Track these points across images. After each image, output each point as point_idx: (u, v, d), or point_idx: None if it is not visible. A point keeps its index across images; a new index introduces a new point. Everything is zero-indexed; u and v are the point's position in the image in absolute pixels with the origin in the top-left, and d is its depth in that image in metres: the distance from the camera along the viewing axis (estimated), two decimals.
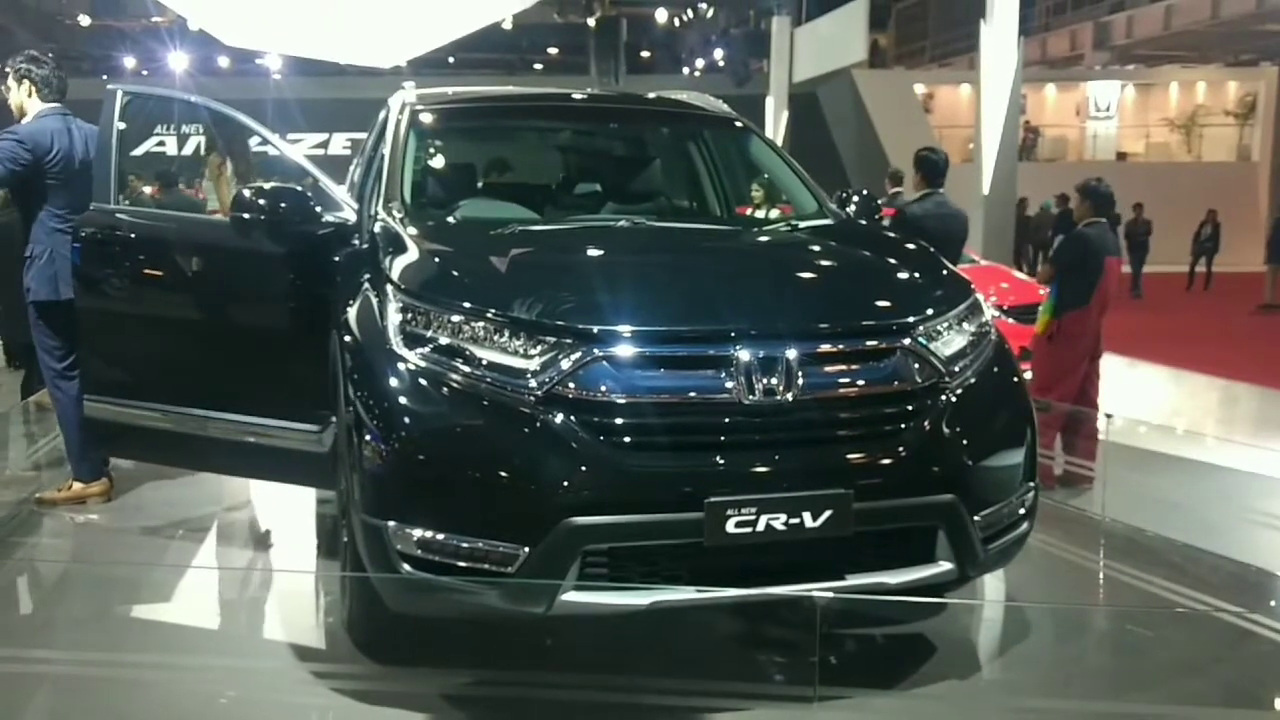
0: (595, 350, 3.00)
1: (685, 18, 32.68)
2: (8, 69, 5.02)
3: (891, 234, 4.26)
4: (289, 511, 5.26)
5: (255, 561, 4.71)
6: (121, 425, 4.45)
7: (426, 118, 4.46)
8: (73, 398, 4.83)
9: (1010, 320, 8.08)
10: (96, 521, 5.07)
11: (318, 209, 4.08)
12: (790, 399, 3.03)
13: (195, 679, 3.60)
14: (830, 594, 3.01)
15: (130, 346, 4.47)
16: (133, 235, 4.43)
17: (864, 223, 4.36)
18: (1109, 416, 5.92)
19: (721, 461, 2.99)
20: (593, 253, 3.69)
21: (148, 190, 10.32)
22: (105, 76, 28.21)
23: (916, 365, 3.19)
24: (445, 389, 3.05)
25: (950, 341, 3.30)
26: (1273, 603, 4.43)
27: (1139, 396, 9.17)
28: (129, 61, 32.05)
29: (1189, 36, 27.61)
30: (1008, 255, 14.33)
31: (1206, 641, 3.88)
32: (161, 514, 5.16)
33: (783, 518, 2.95)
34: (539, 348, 3.03)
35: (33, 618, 4.06)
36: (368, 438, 3.10)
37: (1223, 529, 5.20)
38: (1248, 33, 27.03)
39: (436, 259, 3.48)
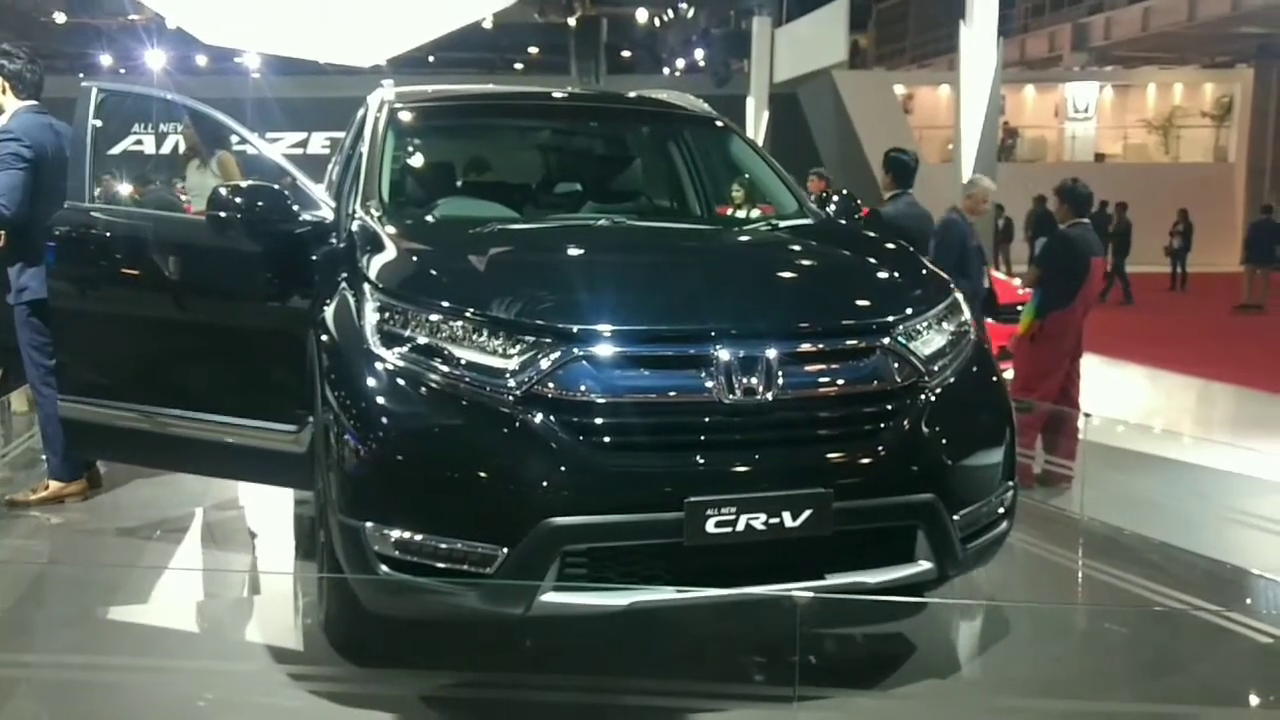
0: (575, 350, 2.99)
1: (666, 18, 32.69)
2: None
3: (871, 233, 4.27)
4: (266, 512, 5.23)
5: (232, 563, 4.67)
6: (98, 426, 4.40)
7: (405, 116, 4.44)
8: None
9: (990, 319, 8.10)
10: (73, 522, 5.02)
11: (295, 208, 4.05)
12: (770, 398, 3.02)
13: (172, 681, 3.57)
14: (810, 594, 3.00)
15: (106, 346, 4.42)
16: (108, 234, 4.39)
17: (844, 222, 4.36)
18: (1088, 416, 5.95)
19: (701, 461, 2.98)
20: (572, 252, 3.68)
21: (124, 191, 10.23)
22: (82, 75, 27.99)
23: (896, 364, 3.19)
24: (423, 389, 3.04)
25: (930, 341, 3.30)
26: (1249, 601, 4.46)
27: (1118, 396, 9.22)
28: (105, 59, 31.83)
29: (1166, 38, 27.79)
30: (988, 255, 14.39)
31: (1184, 640, 3.90)
32: (138, 515, 5.12)
33: (763, 517, 2.94)
34: (518, 347, 3.02)
35: (8, 620, 4.02)
36: (345, 438, 3.08)
37: (1200, 527, 5.23)
38: (1224, 35, 27.22)
39: (415, 258, 3.46)
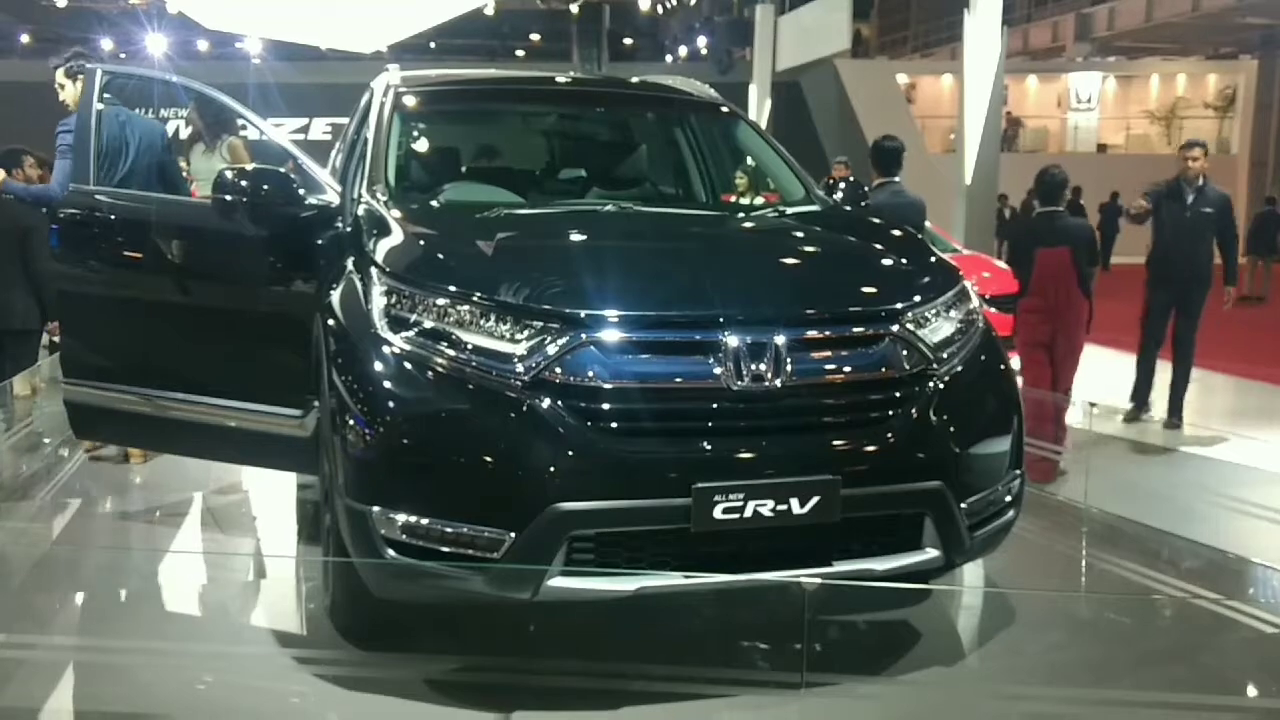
0: (582, 335, 2.98)
1: (669, 5, 32.59)
2: (59, 66, 5.21)
3: (878, 220, 4.26)
4: (270, 496, 5.23)
5: (235, 547, 4.68)
6: (102, 409, 4.39)
7: (411, 100, 4.42)
8: None
9: (992, 309, 8.10)
10: (76, 505, 5.02)
11: (301, 191, 4.04)
12: (778, 385, 3.02)
13: (175, 664, 3.58)
14: (818, 580, 3.00)
15: (110, 330, 4.41)
16: (113, 217, 4.37)
17: (851, 209, 4.35)
18: (1093, 405, 5.95)
19: (709, 447, 2.98)
20: (579, 237, 3.67)
21: None
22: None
23: (904, 352, 3.19)
24: (430, 373, 3.03)
25: (938, 328, 3.29)
26: (1251, 590, 4.46)
27: (1119, 386, 9.21)
28: (106, 44, 31.70)
29: (1170, 29, 27.72)
30: (990, 245, 14.39)
31: (1185, 628, 3.91)
32: (141, 498, 5.13)
33: (770, 504, 2.94)
34: (526, 332, 3.01)
35: (11, 602, 4.02)
36: (352, 422, 3.07)
37: (1201, 517, 5.23)
38: (1228, 26, 27.17)
39: (422, 242, 3.45)
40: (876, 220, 4.21)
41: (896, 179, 6.34)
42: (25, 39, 36.28)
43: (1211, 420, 8.01)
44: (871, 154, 6.51)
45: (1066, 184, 6.53)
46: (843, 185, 4.42)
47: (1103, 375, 9.46)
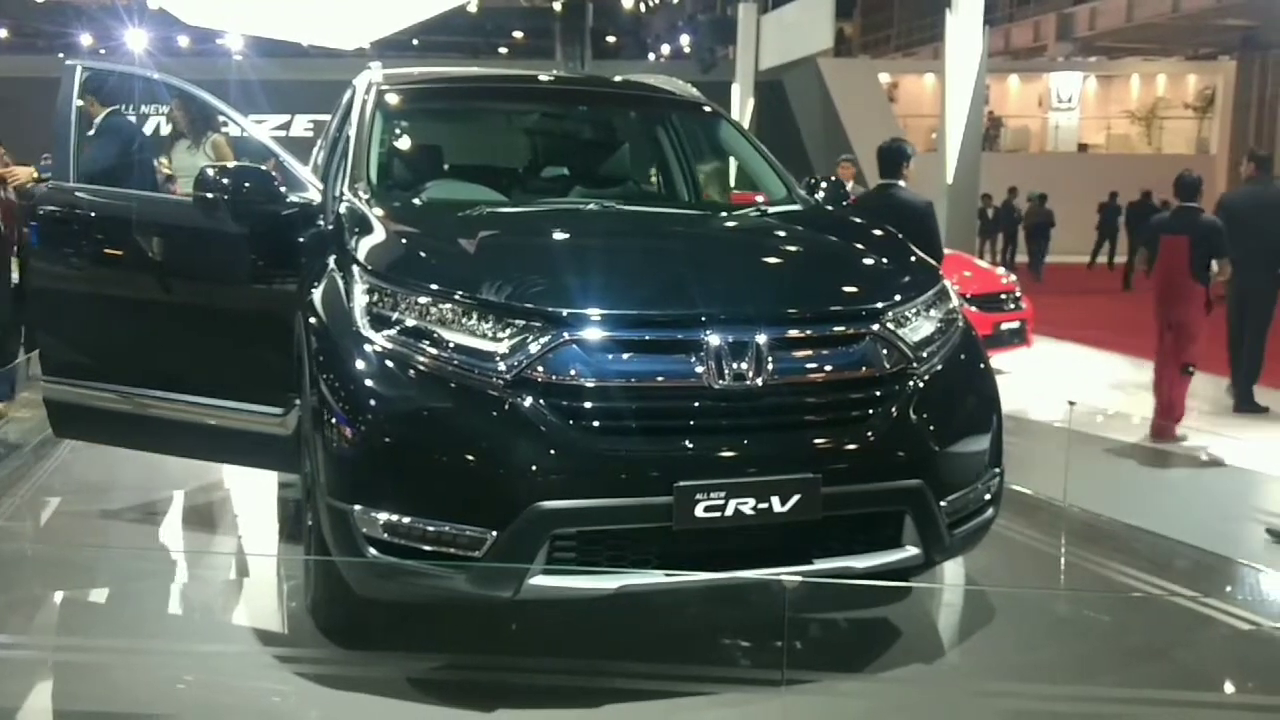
0: (564, 334, 2.99)
1: (652, 3, 32.62)
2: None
3: (859, 220, 4.28)
4: (251, 495, 5.21)
5: (216, 545, 4.66)
6: (81, 407, 4.37)
7: (393, 98, 4.41)
8: None
9: (973, 308, 8.12)
10: (55, 503, 4.99)
11: (282, 189, 4.03)
12: (759, 384, 3.03)
13: (155, 663, 3.56)
14: (798, 578, 3.01)
15: (90, 327, 4.39)
16: (93, 214, 4.35)
17: (832, 209, 4.36)
18: (1072, 404, 5.98)
19: (690, 446, 2.99)
20: (561, 236, 3.67)
21: None
22: (62, 55, 27.68)
23: (885, 351, 3.20)
24: (412, 371, 3.03)
25: (918, 327, 3.31)
26: (1229, 588, 4.50)
27: (1101, 384, 9.27)
28: (85, 39, 31.49)
29: (1150, 29, 27.88)
30: (971, 244, 14.46)
31: (1164, 626, 3.93)
32: (121, 497, 5.10)
33: (751, 502, 2.95)
34: (508, 330, 3.01)
35: None
36: (333, 420, 3.07)
37: (1181, 515, 5.26)
38: (1208, 26, 27.35)
39: (404, 240, 3.45)
40: (858, 220, 4.22)
41: (899, 182, 6.23)
42: (3, 34, 36.02)
43: (1191, 417, 8.06)
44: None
45: (1199, 184, 7.24)
46: (824, 185, 4.43)
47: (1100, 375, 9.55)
